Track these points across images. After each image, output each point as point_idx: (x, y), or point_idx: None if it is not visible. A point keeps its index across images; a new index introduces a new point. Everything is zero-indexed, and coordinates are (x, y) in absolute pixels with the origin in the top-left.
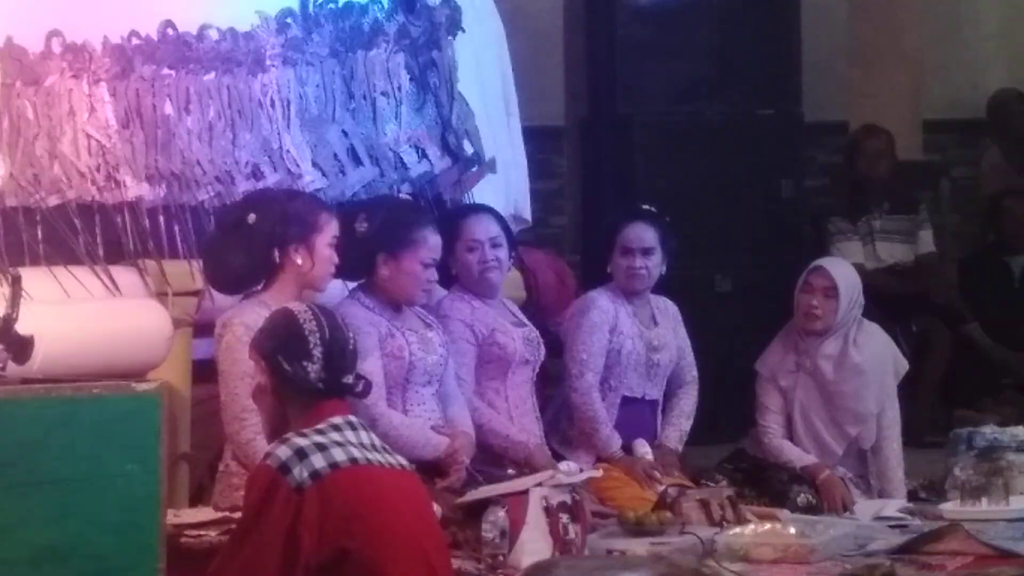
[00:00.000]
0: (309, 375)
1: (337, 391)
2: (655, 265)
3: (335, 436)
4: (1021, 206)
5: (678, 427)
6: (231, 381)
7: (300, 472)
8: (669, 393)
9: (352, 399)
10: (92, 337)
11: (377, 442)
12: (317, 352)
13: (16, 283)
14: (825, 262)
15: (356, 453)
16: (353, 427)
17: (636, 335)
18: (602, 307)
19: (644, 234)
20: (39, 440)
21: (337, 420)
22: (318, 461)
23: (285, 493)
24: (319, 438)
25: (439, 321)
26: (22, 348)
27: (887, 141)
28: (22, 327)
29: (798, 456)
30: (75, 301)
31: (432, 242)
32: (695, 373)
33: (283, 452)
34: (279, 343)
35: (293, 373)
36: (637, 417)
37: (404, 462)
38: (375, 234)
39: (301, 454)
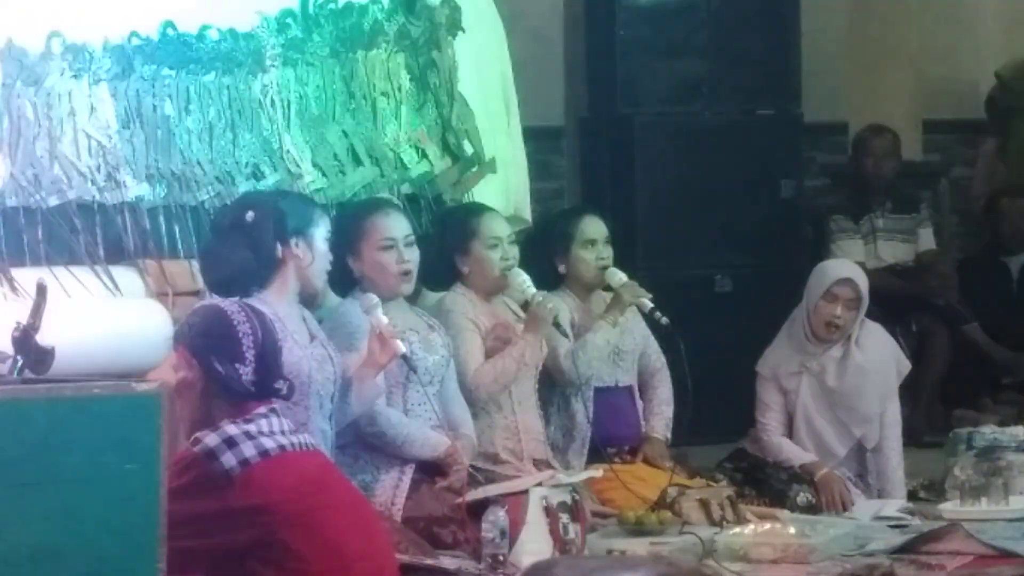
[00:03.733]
0: (241, 378)
1: (267, 394)
2: (611, 255)
3: (263, 424)
4: (1018, 207)
5: (661, 415)
6: None
7: (228, 459)
8: (643, 384)
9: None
10: (92, 337)
11: (290, 426)
12: (250, 355)
13: (41, 293)
14: (851, 272)
15: (283, 440)
16: (276, 413)
17: (597, 328)
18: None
19: (600, 225)
20: (39, 440)
21: (262, 409)
22: (248, 450)
23: (210, 479)
24: (249, 427)
25: (442, 317)
26: (42, 358)
27: (893, 141)
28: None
29: (797, 454)
30: (75, 301)
31: (382, 224)
32: (663, 359)
33: (211, 440)
34: (213, 344)
35: (226, 375)
36: (614, 405)
37: (314, 442)
38: (337, 239)
39: (230, 442)
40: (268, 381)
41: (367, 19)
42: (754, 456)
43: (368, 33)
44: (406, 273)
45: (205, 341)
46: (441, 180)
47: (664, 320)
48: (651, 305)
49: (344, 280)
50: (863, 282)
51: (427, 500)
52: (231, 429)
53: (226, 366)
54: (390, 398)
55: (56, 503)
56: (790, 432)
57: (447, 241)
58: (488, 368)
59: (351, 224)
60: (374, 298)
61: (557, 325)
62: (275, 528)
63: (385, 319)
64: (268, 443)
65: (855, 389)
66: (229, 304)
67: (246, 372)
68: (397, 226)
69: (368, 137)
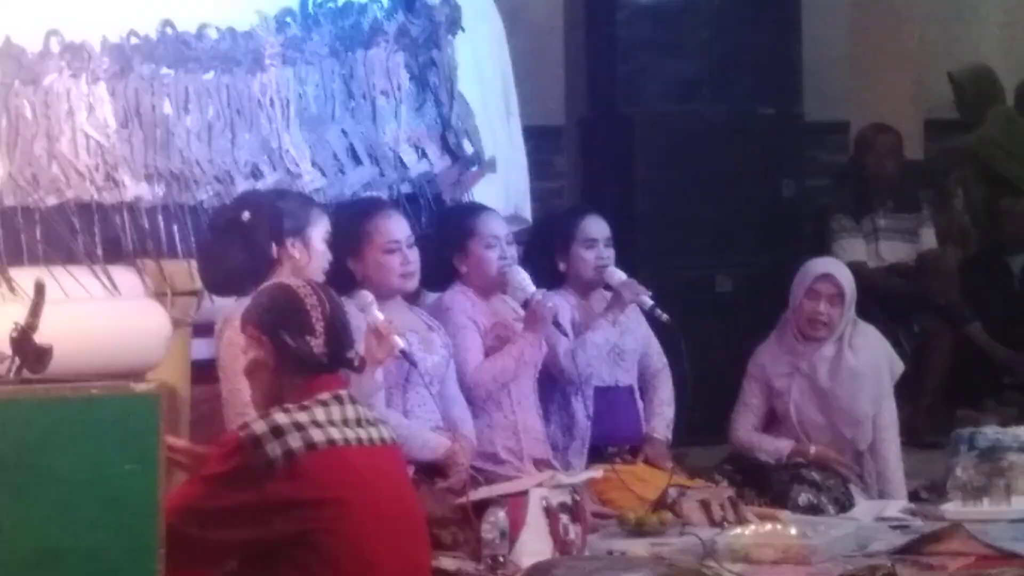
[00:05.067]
0: (313, 350)
1: (339, 365)
2: (613, 256)
3: (319, 414)
4: (1020, 206)
5: (662, 416)
6: (232, 378)
7: (273, 449)
8: (644, 385)
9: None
10: (91, 337)
11: (362, 414)
12: (320, 327)
13: (39, 292)
14: (831, 267)
15: (336, 434)
16: (340, 401)
17: (597, 326)
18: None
19: (602, 226)
20: (38, 440)
21: (324, 396)
22: (295, 441)
23: (252, 466)
24: (301, 416)
25: (442, 315)
26: (39, 358)
27: (896, 139)
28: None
29: (774, 447)
30: (74, 301)
31: (385, 227)
32: (665, 360)
33: (259, 427)
34: (282, 318)
35: (297, 348)
36: (614, 405)
37: (386, 434)
38: (336, 239)
39: (277, 431)
40: (339, 351)
41: (367, 18)
42: (754, 456)
43: (368, 32)
44: (410, 274)
45: (273, 316)
46: (441, 180)
47: (664, 317)
48: (651, 303)
49: (344, 281)
50: (845, 278)
51: (427, 501)
52: (280, 418)
53: (297, 339)
54: (390, 399)
55: (56, 503)
56: (779, 435)
57: (445, 241)
58: (487, 366)
59: (351, 227)
60: (368, 296)
61: (557, 324)
62: (310, 527)
63: (380, 315)
64: (317, 436)
65: (847, 392)
66: (294, 280)
67: (317, 344)
68: (399, 228)
69: (368, 137)
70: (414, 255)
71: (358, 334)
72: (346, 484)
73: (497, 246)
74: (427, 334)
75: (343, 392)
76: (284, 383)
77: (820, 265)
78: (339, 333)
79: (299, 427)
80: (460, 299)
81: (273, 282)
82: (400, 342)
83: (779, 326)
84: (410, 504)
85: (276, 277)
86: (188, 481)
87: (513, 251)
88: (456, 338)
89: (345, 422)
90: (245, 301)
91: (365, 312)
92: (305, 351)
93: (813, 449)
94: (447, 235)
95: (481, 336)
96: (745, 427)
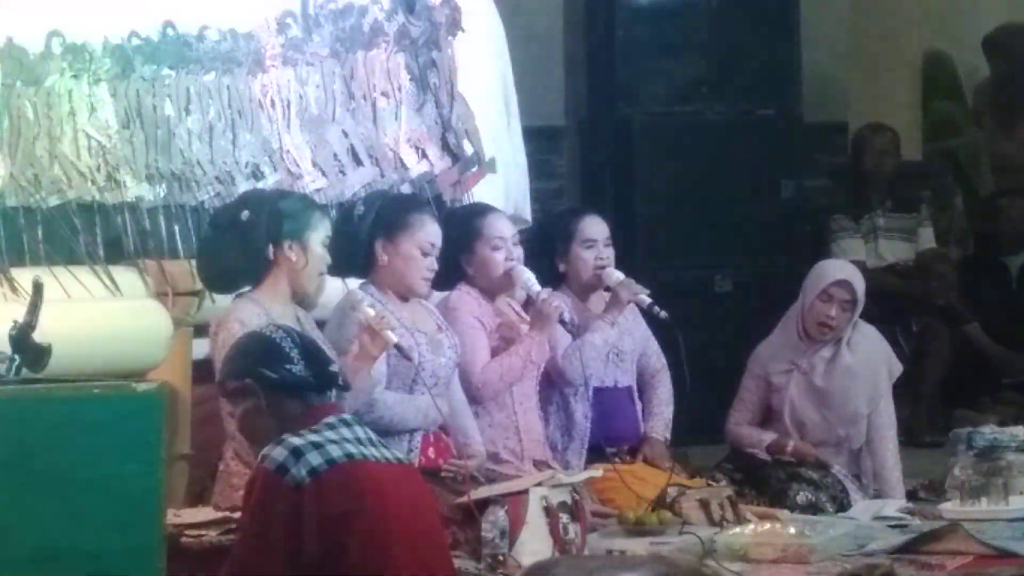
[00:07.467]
0: (296, 375)
1: (327, 383)
2: (612, 256)
3: (330, 434)
4: (1017, 206)
5: (661, 416)
6: None
7: (298, 471)
8: (643, 385)
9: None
10: (92, 337)
11: (373, 436)
12: (295, 354)
13: (37, 291)
14: (848, 274)
15: (352, 449)
16: (347, 424)
17: (596, 327)
18: None
19: (602, 226)
20: (39, 440)
21: (331, 419)
22: (315, 459)
23: (284, 493)
24: (314, 437)
25: (448, 315)
26: (38, 357)
27: (893, 139)
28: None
29: (758, 438)
30: (75, 301)
31: (430, 228)
32: (664, 360)
33: (279, 453)
34: (257, 358)
35: (282, 379)
36: (613, 406)
37: (400, 456)
38: (373, 219)
39: (297, 453)
40: (322, 369)
41: (367, 19)
42: (753, 456)
43: (368, 33)
44: (430, 279)
45: (249, 359)
46: (441, 180)
47: (663, 314)
48: (649, 300)
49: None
50: (860, 285)
51: None
52: (296, 440)
53: (278, 370)
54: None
55: (56, 503)
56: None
57: (451, 241)
58: (495, 366)
59: (397, 217)
60: (359, 293)
61: (563, 322)
62: (337, 542)
63: (372, 311)
64: (334, 451)
65: (842, 390)
66: (255, 325)
67: (298, 369)
68: (438, 235)
69: (368, 137)
70: (518, 252)
71: (357, 333)
72: (367, 494)
73: (503, 247)
74: (436, 335)
75: (347, 416)
76: (284, 420)
77: (837, 270)
78: (315, 354)
79: (316, 445)
80: (466, 299)
81: (239, 336)
82: (393, 337)
83: (783, 322)
84: (430, 519)
85: (272, 277)
86: (235, 546)
87: (519, 252)
88: (463, 338)
89: (358, 440)
90: (240, 302)
91: (356, 310)
92: (289, 378)
93: (791, 445)
94: (453, 235)
95: (487, 336)
96: (736, 419)
